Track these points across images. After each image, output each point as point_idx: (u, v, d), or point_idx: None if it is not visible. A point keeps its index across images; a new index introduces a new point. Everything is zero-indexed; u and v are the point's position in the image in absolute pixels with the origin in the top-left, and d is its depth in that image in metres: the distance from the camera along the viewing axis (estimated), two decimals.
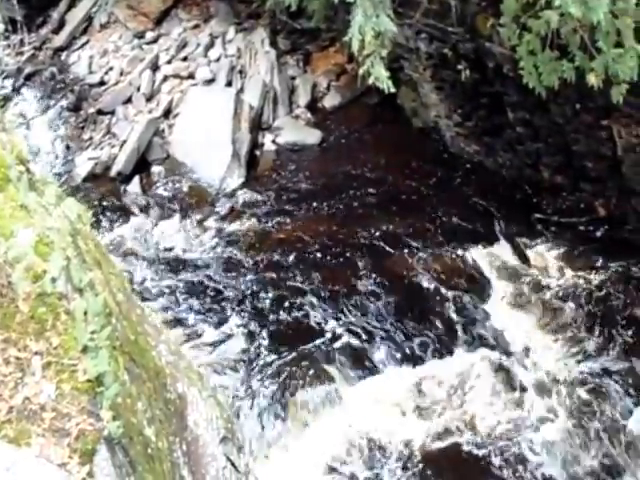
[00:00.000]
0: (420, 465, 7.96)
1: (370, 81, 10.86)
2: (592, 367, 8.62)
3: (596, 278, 9.51)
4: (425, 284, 9.67)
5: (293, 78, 13.40)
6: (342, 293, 9.66)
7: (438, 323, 9.25)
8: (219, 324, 9.31)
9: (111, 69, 14.29)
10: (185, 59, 13.89)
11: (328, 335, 9.17)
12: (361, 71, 11.19)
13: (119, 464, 3.45)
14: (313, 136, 12.52)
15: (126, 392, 3.83)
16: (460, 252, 10.06)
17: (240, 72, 13.40)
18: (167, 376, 5.12)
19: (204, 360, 8.53)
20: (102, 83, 14.00)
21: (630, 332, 8.86)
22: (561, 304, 9.33)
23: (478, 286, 9.69)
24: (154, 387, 4.76)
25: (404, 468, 7.95)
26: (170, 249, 10.50)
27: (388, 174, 11.45)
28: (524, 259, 9.99)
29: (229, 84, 13.13)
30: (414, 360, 8.93)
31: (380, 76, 10.78)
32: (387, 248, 10.26)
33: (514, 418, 8.31)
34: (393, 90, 10.69)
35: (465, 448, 8.05)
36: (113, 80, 14.05)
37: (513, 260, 9.97)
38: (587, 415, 8.20)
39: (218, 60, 13.66)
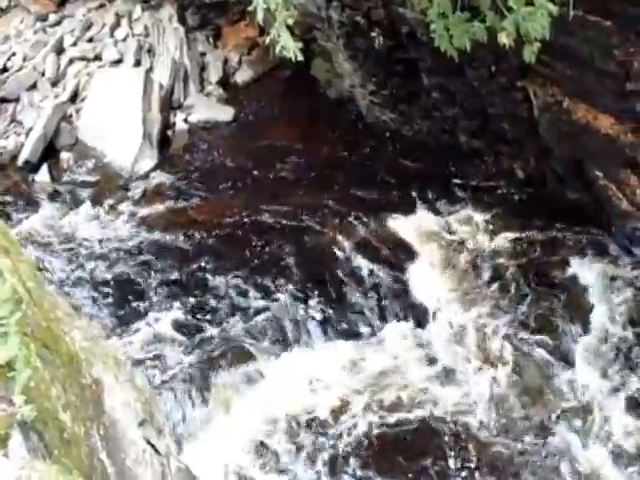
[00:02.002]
0: (343, 439, 7.83)
1: (277, 50, 10.67)
2: (517, 328, 8.58)
3: (517, 240, 9.48)
4: (346, 256, 9.51)
5: (203, 54, 13.02)
6: (262, 270, 9.43)
7: (361, 295, 9.10)
8: (136, 309, 8.98)
9: (14, 55, 13.56)
10: (91, 40, 13.32)
11: (249, 313, 8.97)
12: (267, 40, 11.01)
13: (34, 448, 3.45)
14: (226, 113, 12.22)
15: (39, 377, 3.78)
16: (381, 222, 9.91)
17: (148, 51, 12.94)
18: (82, 362, 5.03)
19: (122, 345, 8.27)
20: (4, 70, 13.23)
21: (550, 290, 8.90)
22: (483, 267, 9.28)
23: (400, 255, 9.57)
24: (68, 373, 4.69)
25: (327, 441, 7.81)
26: (82, 237, 10.03)
27: (304, 147, 11.22)
28: (445, 225, 9.89)
29: (137, 64, 12.64)
30: (337, 333, 8.81)
31: (287, 45, 10.47)
32: (306, 222, 10.03)
33: (441, 389, 8.22)
34: (301, 59, 10.36)
35: (390, 421, 7.91)
36: (16, 66, 13.34)
37: (434, 227, 9.86)
38: (516, 378, 8.17)
39: (125, 40, 13.13)
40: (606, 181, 9.21)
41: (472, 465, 7.59)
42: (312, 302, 9.05)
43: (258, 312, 8.94)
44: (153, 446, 6.39)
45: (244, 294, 9.18)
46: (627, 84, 8.85)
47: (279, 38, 10.63)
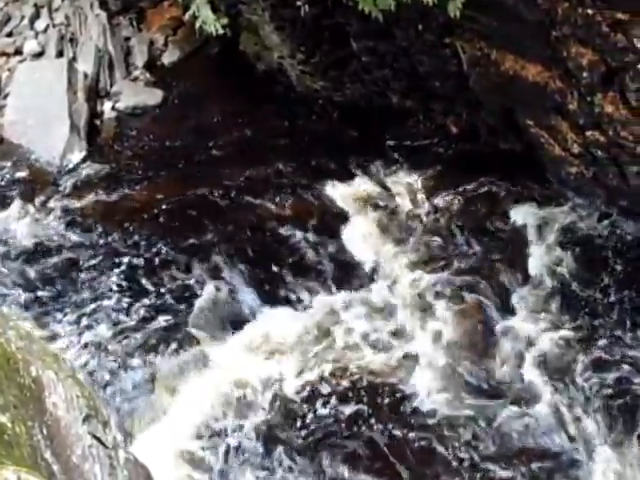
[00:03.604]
0: (292, 412, 7.77)
1: (197, 25, 10.50)
2: (457, 283, 8.55)
3: (453, 195, 9.41)
4: (284, 228, 9.40)
5: (128, 39, 12.58)
6: (201, 252, 9.27)
7: (301, 265, 9.02)
8: (75, 304, 8.70)
9: None
10: (10, 34, 12.83)
11: (190, 297, 8.80)
12: (187, 17, 10.84)
13: None
14: (154, 96, 11.85)
15: None
16: (317, 190, 9.79)
17: (71, 40, 12.50)
18: (19, 361, 4.97)
19: (60, 341, 8.14)
20: None
21: (489, 241, 8.93)
22: (421, 226, 9.25)
23: (338, 222, 9.47)
24: (5, 374, 4.69)
25: (277, 417, 7.73)
26: (13, 237, 9.67)
27: (236, 123, 10.97)
28: (381, 188, 9.79)
29: (60, 55, 12.21)
30: (278, 306, 8.68)
31: (207, 19, 10.32)
32: (243, 197, 9.86)
33: (386, 355, 8.14)
34: (222, 32, 10.34)
35: (340, 389, 7.83)
36: None
37: (370, 190, 9.76)
38: (456, 332, 8.13)
39: (46, 31, 12.68)
40: (537, 129, 9.18)
41: (414, 427, 7.53)
42: (251, 278, 8.93)
43: (199, 294, 8.77)
44: (99, 440, 6.32)
45: (184, 278, 9.00)
46: (552, 31, 8.85)
47: (199, 13, 10.53)
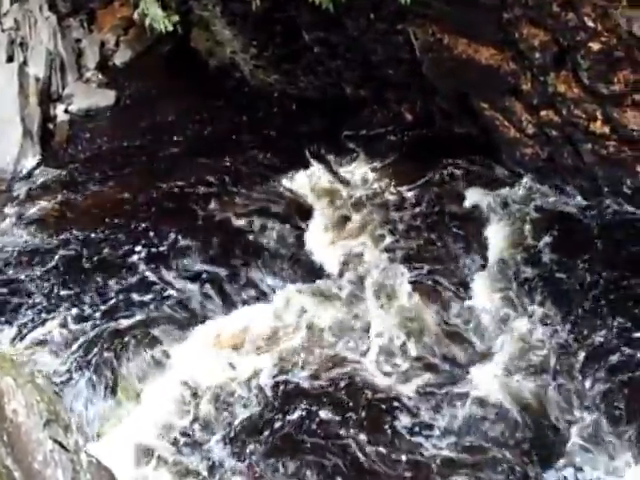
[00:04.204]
0: (257, 408, 7.63)
1: (147, 22, 10.38)
2: (418, 268, 8.48)
3: (411, 182, 9.37)
4: (243, 222, 9.30)
5: (78, 41, 12.52)
6: (160, 250, 9.12)
7: (262, 259, 8.89)
8: (32, 308, 8.52)
9: None
10: None
11: (149, 296, 8.64)
12: (136, 14, 10.71)
13: None
14: (107, 97, 11.79)
15: None
16: (275, 184, 9.72)
17: (21, 44, 12.33)
18: None
19: (20, 346, 8.00)
20: None
21: (448, 225, 8.87)
22: (380, 214, 9.17)
23: (297, 215, 9.40)
24: None
25: (241, 413, 7.58)
26: None
27: (190, 120, 10.96)
28: (339, 178, 9.73)
29: (10, 59, 12.03)
30: (239, 301, 8.55)
31: (156, 16, 10.22)
32: (202, 194, 9.74)
33: (351, 343, 8.03)
34: (171, 29, 10.25)
35: (306, 382, 7.69)
36: None
37: (328, 181, 9.70)
38: (418, 316, 8.07)
39: None
40: (492, 111, 9.16)
41: (380, 415, 7.44)
42: (211, 274, 8.80)
43: (158, 293, 8.63)
44: (61, 444, 6.23)
45: (143, 277, 8.85)
46: (504, 14, 8.80)
47: (148, 11, 10.41)
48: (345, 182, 9.72)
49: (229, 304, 8.59)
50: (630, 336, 7.62)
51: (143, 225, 9.54)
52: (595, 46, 8.25)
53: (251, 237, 9.22)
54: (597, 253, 8.33)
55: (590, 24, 8.31)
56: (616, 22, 8.06)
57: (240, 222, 9.36)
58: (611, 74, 8.24)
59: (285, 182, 9.77)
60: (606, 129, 8.43)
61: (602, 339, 7.63)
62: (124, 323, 8.40)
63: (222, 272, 8.84)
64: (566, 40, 8.45)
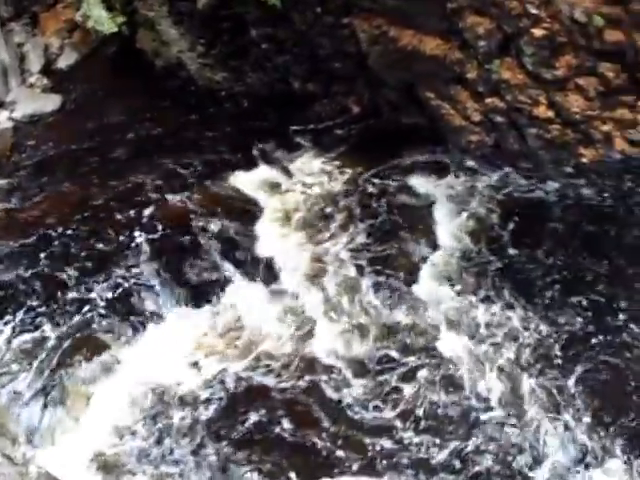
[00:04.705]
0: (210, 407, 7.58)
1: (89, 25, 10.28)
2: (367, 258, 8.50)
3: (359, 174, 9.37)
4: (192, 222, 9.11)
5: (21, 45, 12.17)
6: (106, 254, 8.94)
7: (210, 258, 8.78)
8: None
9: None
10: None
11: (98, 303, 8.45)
12: (78, 17, 10.63)
13: None
14: (52, 102, 11.52)
15: None
16: (224, 182, 9.60)
17: None
18: None
19: None
20: None
21: (397, 215, 8.88)
22: (328, 207, 9.14)
23: (246, 212, 9.28)
24: None
25: (193, 413, 7.52)
26: None
27: (138, 122, 10.74)
28: (286, 174, 9.67)
29: None
30: (188, 302, 8.46)
31: (99, 18, 10.14)
32: (150, 195, 9.54)
33: (300, 338, 8.01)
34: (116, 30, 10.15)
35: (255, 383, 7.66)
36: None
37: (276, 178, 9.64)
38: (366, 306, 8.06)
39: None
40: (438, 100, 9.19)
41: (328, 407, 7.45)
42: (159, 275, 8.64)
43: (106, 297, 8.46)
44: (8, 457, 6.03)
45: (89, 281, 8.64)
46: (448, 3, 8.83)
47: (91, 13, 10.33)
48: (293, 177, 9.66)
49: (176, 306, 8.45)
50: (585, 317, 7.73)
51: (89, 229, 9.32)
52: (538, 32, 8.34)
53: (201, 236, 9.05)
54: (547, 236, 8.42)
55: (533, 11, 8.44)
56: (558, 8, 8.18)
57: (190, 221, 9.19)
58: (554, 59, 8.33)
59: (233, 180, 9.66)
60: (550, 113, 8.51)
61: (555, 322, 7.70)
62: (71, 329, 8.23)
63: (169, 274, 8.69)
64: (510, 27, 8.52)
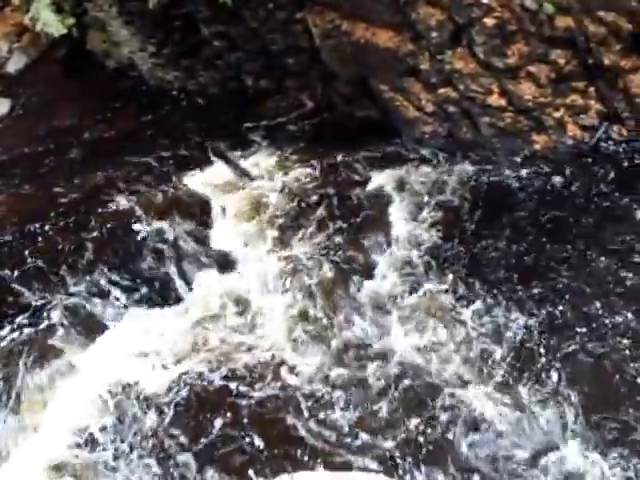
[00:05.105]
0: (168, 410, 7.33)
1: (38, 27, 10.12)
2: (323, 253, 8.34)
3: (314, 169, 9.22)
4: (147, 224, 8.84)
5: None
6: (62, 257, 8.63)
7: (165, 261, 8.54)
8: None
9: None
10: None
11: (51, 307, 8.18)
12: (26, 20, 10.47)
13: None
14: (1, 106, 11.28)
15: None
16: (177, 183, 9.35)
17: None
18: None
19: None
20: None
21: (353, 209, 8.75)
22: (284, 204, 8.98)
23: (201, 212, 9.08)
24: None
25: (152, 415, 7.29)
26: None
27: (90, 124, 10.53)
28: (242, 171, 9.49)
29: None
30: (145, 304, 8.25)
31: (48, 20, 9.99)
32: (103, 198, 9.24)
33: (259, 336, 7.80)
34: (65, 32, 9.97)
35: (216, 385, 7.44)
36: None
37: (231, 176, 9.46)
38: (323, 302, 7.89)
39: None
40: (391, 93, 9.18)
41: (279, 397, 7.30)
42: (113, 279, 8.40)
43: (59, 302, 8.19)
44: None
45: (39, 288, 8.35)
46: None
47: (39, 15, 10.18)
48: (248, 175, 9.48)
49: (131, 309, 8.24)
50: (547, 303, 7.62)
51: (42, 235, 8.99)
52: (489, 21, 8.41)
53: (156, 237, 8.82)
54: (507, 225, 8.31)
55: (484, 0, 8.44)
56: None
57: (142, 223, 8.94)
58: (505, 48, 8.39)
59: (188, 180, 9.45)
60: (502, 101, 8.57)
61: (518, 309, 7.59)
62: (23, 335, 7.95)
63: (123, 277, 8.46)
64: (461, 18, 8.56)
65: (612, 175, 8.42)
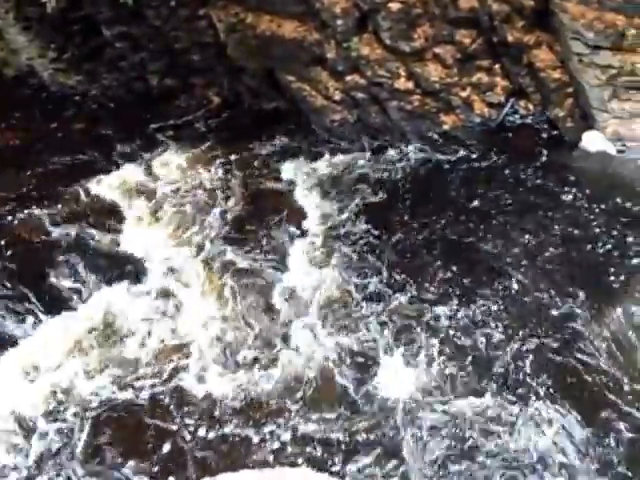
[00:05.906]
0: (88, 417, 6.98)
1: None
2: (234, 250, 8.12)
3: (224, 165, 9.10)
4: (55, 231, 8.53)
5: None
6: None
7: (71, 267, 8.23)
8: None
9: None
10: None
11: None
12: None
13: None
14: None
15: None
16: (84, 189, 9.05)
17: None
18: None
19: None
20: None
21: (265, 202, 8.67)
22: (193, 202, 8.79)
23: (109, 217, 8.77)
24: None
25: (70, 422, 6.94)
26: None
27: None
28: (149, 172, 9.24)
29: None
30: (51, 315, 7.82)
31: None
32: (11, 207, 8.85)
33: (177, 338, 7.48)
34: None
35: (132, 385, 7.14)
36: None
37: (138, 178, 9.18)
38: (240, 297, 7.70)
39: None
40: (299, 83, 9.11)
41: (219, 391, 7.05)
42: (15, 292, 7.98)
43: None
44: None
45: None
46: None
47: None
48: (156, 175, 9.21)
49: (44, 317, 7.80)
50: (471, 278, 7.55)
51: None
52: (394, 6, 8.36)
53: (62, 246, 8.48)
54: (424, 206, 8.27)
55: None
56: None
57: (48, 232, 8.62)
58: (411, 31, 8.36)
59: (94, 186, 9.12)
60: (410, 85, 8.54)
61: (439, 289, 7.51)
62: None
63: (32, 286, 8.05)
64: (366, 4, 8.48)
65: (520, 148, 8.45)
